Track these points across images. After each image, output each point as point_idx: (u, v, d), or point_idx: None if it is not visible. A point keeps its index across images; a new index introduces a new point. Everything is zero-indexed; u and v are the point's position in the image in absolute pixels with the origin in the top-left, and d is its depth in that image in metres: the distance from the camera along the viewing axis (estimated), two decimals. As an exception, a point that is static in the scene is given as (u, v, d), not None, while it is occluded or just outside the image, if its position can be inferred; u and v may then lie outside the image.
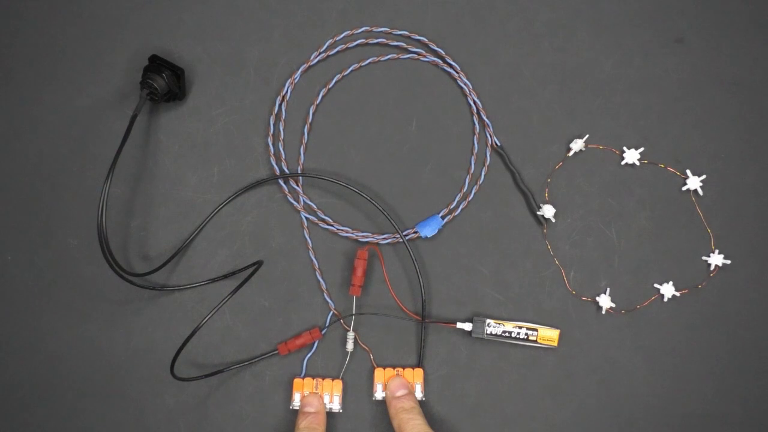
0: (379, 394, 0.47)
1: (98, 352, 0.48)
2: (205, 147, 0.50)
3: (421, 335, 0.47)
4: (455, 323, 0.47)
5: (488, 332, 0.47)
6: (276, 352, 0.47)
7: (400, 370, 0.47)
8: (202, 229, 0.48)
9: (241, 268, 0.48)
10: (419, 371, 0.47)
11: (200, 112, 0.50)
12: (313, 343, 0.48)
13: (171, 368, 0.44)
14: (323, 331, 0.48)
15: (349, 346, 0.47)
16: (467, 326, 0.47)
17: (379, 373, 0.47)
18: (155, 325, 0.48)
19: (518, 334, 0.47)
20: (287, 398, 0.48)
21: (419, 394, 0.46)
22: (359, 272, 0.47)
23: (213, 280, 0.48)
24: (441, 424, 0.47)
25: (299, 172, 0.49)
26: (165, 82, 0.47)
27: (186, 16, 0.51)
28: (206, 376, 0.46)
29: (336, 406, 0.47)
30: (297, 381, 0.47)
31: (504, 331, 0.47)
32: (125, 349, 0.48)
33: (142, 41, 0.50)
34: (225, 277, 0.48)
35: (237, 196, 0.49)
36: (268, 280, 0.48)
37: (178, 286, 0.48)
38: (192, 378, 0.46)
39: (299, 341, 0.47)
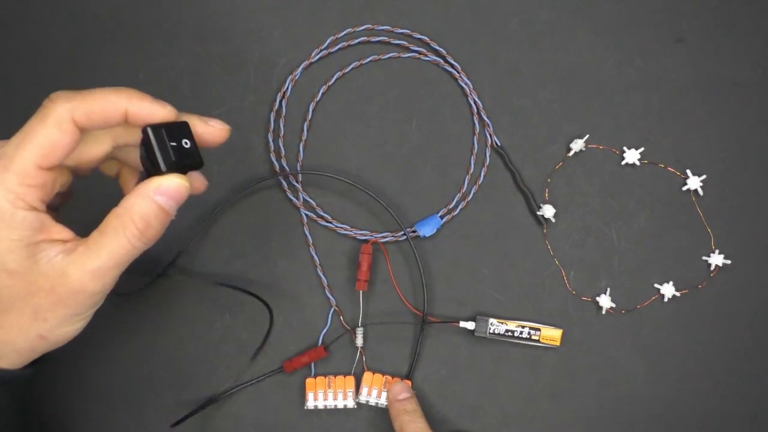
0: (363, 397, 0.47)
1: (97, 354, 0.47)
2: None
3: (419, 337, 0.47)
4: (458, 322, 0.47)
5: (491, 331, 0.47)
6: (281, 369, 0.47)
7: (389, 378, 0.47)
8: (201, 228, 0.48)
9: (248, 291, 0.47)
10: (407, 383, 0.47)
11: (200, 112, 0.50)
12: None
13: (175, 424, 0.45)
14: (324, 330, 0.47)
15: (359, 342, 0.47)
16: (470, 325, 0.47)
17: (368, 376, 0.47)
18: (154, 325, 0.48)
19: (521, 333, 0.47)
20: (287, 398, 0.47)
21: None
22: (364, 267, 0.47)
23: (216, 284, 0.48)
24: (441, 424, 0.47)
25: (299, 169, 0.49)
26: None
27: (186, 16, 0.51)
28: (196, 411, 0.46)
29: (350, 402, 0.47)
30: (309, 381, 0.47)
31: (507, 330, 0.47)
32: (125, 350, 0.48)
33: (142, 41, 0.50)
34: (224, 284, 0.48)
35: (240, 195, 0.48)
36: (267, 280, 0.48)
37: (177, 286, 0.48)
38: (180, 419, 0.45)
39: (304, 359, 0.47)
